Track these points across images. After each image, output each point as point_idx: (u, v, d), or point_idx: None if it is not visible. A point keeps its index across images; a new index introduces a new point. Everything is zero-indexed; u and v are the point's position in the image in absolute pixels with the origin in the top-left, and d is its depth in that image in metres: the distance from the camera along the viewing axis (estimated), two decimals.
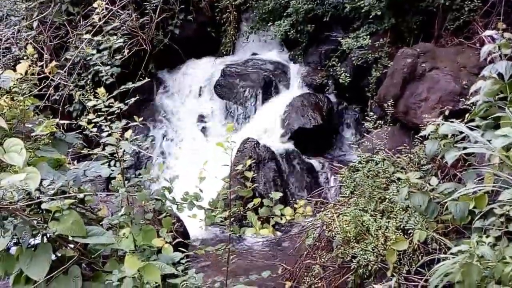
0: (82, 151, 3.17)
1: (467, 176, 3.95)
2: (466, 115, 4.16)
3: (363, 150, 5.10)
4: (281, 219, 3.07)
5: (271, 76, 7.72)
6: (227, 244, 3.11)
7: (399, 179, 4.04)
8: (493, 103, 3.85)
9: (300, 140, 7.04)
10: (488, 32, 4.19)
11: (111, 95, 2.83)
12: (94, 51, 3.01)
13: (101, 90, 2.69)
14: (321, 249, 4.28)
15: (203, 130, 7.66)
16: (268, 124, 7.23)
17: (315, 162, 6.94)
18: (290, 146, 7.01)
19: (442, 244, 3.66)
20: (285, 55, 8.27)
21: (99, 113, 2.68)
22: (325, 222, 4.27)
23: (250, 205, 3.39)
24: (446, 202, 3.75)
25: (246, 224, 6.00)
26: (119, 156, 2.66)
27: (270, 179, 6.51)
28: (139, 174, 2.87)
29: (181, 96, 8.09)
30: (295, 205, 3.36)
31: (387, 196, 4.15)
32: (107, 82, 3.39)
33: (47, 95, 7.36)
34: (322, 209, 5.08)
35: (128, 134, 2.73)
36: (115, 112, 2.74)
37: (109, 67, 2.90)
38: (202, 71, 8.22)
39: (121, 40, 3.37)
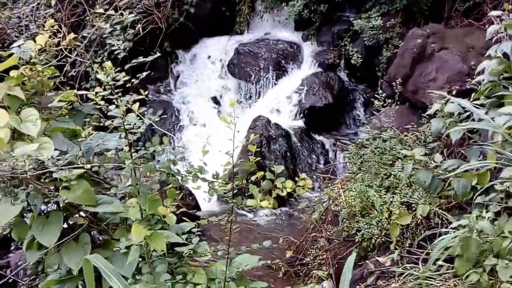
0: (100, 123, 3.31)
1: (471, 153, 4.05)
2: (472, 95, 4.24)
3: (372, 128, 5.22)
4: (282, 191, 3.16)
5: (284, 55, 7.80)
6: (229, 215, 3.23)
7: (405, 156, 4.15)
8: (498, 82, 3.93)
9: (311, 118, 7.15)
10: (494, 13, 4.24)
11: (122, 69, 2.92)
12: (108, 25, 3.13)
13: (108, 64, 2.80)
14: (327, 223, 4.42)
15: (216, 107, 7.78)
16: (280, 103, 7.34)
17: (325, 140, 7.06)
18: (301, 124, 7.13)
19: (444, 219, 3.79)
20: (298, 35, 8.33)
21: (107, 86, 2.78)
22: (332, 197, 4.41)
23: (253, 178, 3.37)
24: (449, 179, 3.87)
25: (251, 197, 6.20)
26: (126, 130, 2.77)
27: (280, 156, 6.64)
28: (146, 148, 2.98)
29: (195, 74, 8.21)
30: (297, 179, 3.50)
31: (393, 173, 4.27)
32: (120, 57, 3.54)
33: (64, 71, 7.55)
34: (329, 185, 5.24)
35: (135, 107, 2.84)
36: (127, 86, 2.85)
37: (121, 42, 3.00)
38: (216, 49, 8.32)
39: (133, 15, 3.48)
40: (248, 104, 7.71)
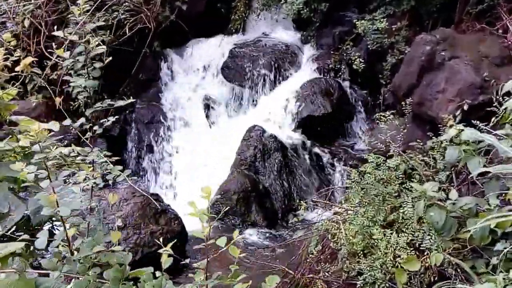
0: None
1: (489, 187, 3.55)
2: (493, 119, 3.76)
3: (372, 143, 4.76)
4: None
5: (281, 58, 7.29)
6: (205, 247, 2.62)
7: (411, 188, 3.67)
8: None
9: (309, 128, 6.65)
10: None
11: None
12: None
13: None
14: (325, 260, 3.95)
15: (208, 114, 7.28)
16: (276, 111, 6.84)
17: (324, 153, 6.56)
18: (298, 135, 6.63)
19: (458, 268, 3.32)
20: (297, 36, 7.80)
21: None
22: (330, 231, 3.94)
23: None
24: (464, 218, 3.40)
25: (248, 219, 5.75)
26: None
27: (275, 170, 6.16)
28: None
29: (186, 77, 7.70)
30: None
31: (398, 205, 3.80)
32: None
33: (43, 75, 7.05)
34: (328, 209, 4.78)
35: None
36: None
37: (83, 80, 2.50)
38: (209, 50, 7.80)
39: (102, 48, 3.00)
40: (242, 110, 7.21)
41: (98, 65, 2.64)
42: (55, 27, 7.14)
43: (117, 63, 7.15)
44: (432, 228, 3.48)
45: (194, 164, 6.71)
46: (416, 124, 5.94)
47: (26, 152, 2.69)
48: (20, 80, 7.28)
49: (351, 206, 4.11)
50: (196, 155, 6.84)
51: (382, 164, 4.03)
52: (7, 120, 2.85)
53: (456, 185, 3.81)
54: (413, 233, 3.54)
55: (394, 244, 3.54)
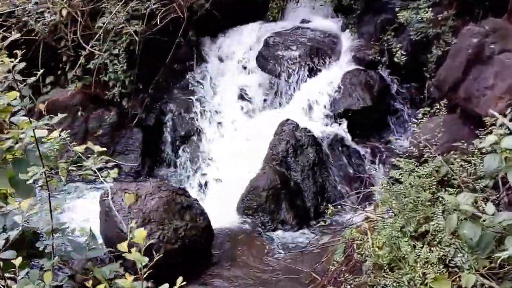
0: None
1: None
2: None
3: (414, 142, 4.45)
4: None
5: (319, 48, 6.96)
6: None
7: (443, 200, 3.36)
8: None
9: (346, 123, 6.33)
10: None
11: None
12: None
13: None
14: (349, 271, 3.71)
15: (242, 105, 7.07)
16: (312, 103, 6.56)
17: (361, 148, 6.25)
18: (335, 129, 6.32)
19: None
20: (337, 24, 7.45)
21: None
22: (355, 240, 3.68)
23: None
24: (503, 235, 3.08)
25: (277, 218, 5.55)
26: None
27: (308, 167, 5.89)
28: None
29: (221, 66, 7.51)
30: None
31: (431, 214, 3.50)
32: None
33: (78, 65, 7.03)
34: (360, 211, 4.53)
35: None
36: None
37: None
38: (245, 39, 7.55)
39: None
40: (277, 102, 6.96)
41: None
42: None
43: (151, 52, 7.15)
44: (466, 244, 3.18)
45: (227, 157, 6.54)
46: (462, 121, 5.54)
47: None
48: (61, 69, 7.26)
49: (380, 214, 3.84)
50: (230, 148, 6.67)
51: (414, 169, 3.73)
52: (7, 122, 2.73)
53: (496, 197, 3.48)
54: (444, 248, 3.25)
55: (423, 259, 3.26)
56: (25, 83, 2.55)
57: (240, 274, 4.70)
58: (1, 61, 2.58)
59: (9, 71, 2.48)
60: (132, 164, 6.88)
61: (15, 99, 2.77)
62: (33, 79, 2.65)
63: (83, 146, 2.44)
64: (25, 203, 2.23)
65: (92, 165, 2.43)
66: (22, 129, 2.53)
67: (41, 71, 3.11)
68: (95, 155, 2.46)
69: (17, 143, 2.52)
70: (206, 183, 6.40)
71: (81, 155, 2.42)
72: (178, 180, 6.68)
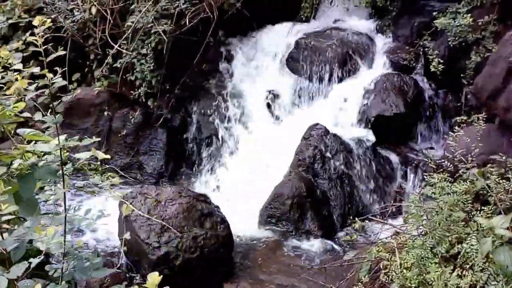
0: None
1: None
2: None
3: (448, 153, 4.18)
4: None
5: (352, 50, 6.70)
6: None
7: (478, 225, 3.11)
8: None
9: (378, 129, 6.06)
10: None
11: None
12: None
13: None
14: None
15: (271, 108, 6.88)
16: (343, 107, 6.31)
17: (393, 157, 5.97)
18: (365, 135, 6.06)
19: None
20: (372, 25, 7.16)
21: None
22: (382, 260, 3.46)
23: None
24: None
25: (302, 227, 5.35)
26: None
27: (336, 175, 5.68)
28: None
29: (250, 67, 7.32)
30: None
31: (465, 235, 3.26)
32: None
33: (105, 63, 6.97)
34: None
35: None
36: None
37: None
38: (276, 39, 7.33)
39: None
40: (307, 105, 6.75)
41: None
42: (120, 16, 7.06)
43: (180, 52, 7.02)
44: (501, 271, 2.92)
45: (252, 161, 6.37)
46: (501, 132, 5.23)
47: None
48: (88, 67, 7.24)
49: (409, 232, 3.60)
50: (257, 152, 6.50)
51: (448, 186, 3.48)
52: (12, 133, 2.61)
53: None
54: (476, 274, 3.00)
55: (454, 285, 3.02)
56: (59, 101, 2.43)
57: (260, 287, 4.53)
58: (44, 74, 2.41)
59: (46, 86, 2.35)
60: (155, 165, 6.77)
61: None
62: (68, 97, 2.53)
63: (86, 154, 2.29)
64: (52, 230, 2.11)
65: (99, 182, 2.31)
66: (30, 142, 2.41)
67: (63, 71, 2.92)
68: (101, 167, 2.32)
69: (21, 158, 2.40)
70: (229, 188, 6.23)
71: (87, 170, 2.28)
72: (200, 184, 6.53)
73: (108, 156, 2.45)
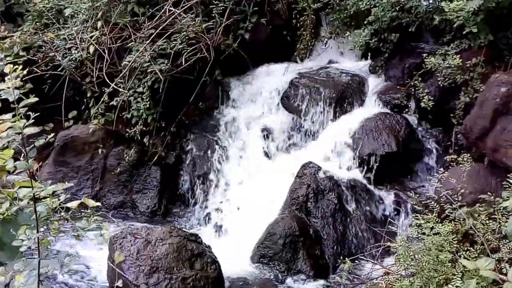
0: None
1: None
2: None
3: (441, 190, 4.25)
4: None
5: (344, 90, 6.83)
6: None
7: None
8: None
9: (370, 167, 6.13)
10: None
11: None
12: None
13: None
14: None
15: (266, 146, 6.95)
16: (335, 146, 6.39)
17: (385, 195, 6.02)
18: (358, 174, 6.13)
19: None
20: (364, 66, 7.34)
21: None
22: None
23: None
24: None
25: (294, 267, 5.34)
26: None
27: (329, 213, 5.71)
28: None
29: (246, 106, 7.43)
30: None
31: (451, 277, 3.28)
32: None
33: (101, 101, 7.08)
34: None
35: None
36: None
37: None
38: (271, 79, 7.47)
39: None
40: (301, 144, 6.83)
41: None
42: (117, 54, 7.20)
43: (176, 90, 7.15)
44: None
45: (245, 199, 6.40)
46: (489, 171, 5.33)
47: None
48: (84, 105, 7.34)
49: (398, 272, 3.63)
50: (249, 189, 6.54)
51: (434, 227, 3.52)
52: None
53: None
54: None
55: None
56: (32, 146, 2.49)
57: None
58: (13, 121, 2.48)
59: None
60: (149, 203, 6.80)
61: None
62: (41, 142, 2.61)
63: (77, 202, 2.34)
64: (19, 278, 2.14)
65: (86, 226, 2.36)
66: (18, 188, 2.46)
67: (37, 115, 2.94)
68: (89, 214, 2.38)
69: (10, 204, 2.44)
70: (221, 226, 6.26)
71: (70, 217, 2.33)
72: (193, 221, 6.56)
73: (99, 204, 2.49)
